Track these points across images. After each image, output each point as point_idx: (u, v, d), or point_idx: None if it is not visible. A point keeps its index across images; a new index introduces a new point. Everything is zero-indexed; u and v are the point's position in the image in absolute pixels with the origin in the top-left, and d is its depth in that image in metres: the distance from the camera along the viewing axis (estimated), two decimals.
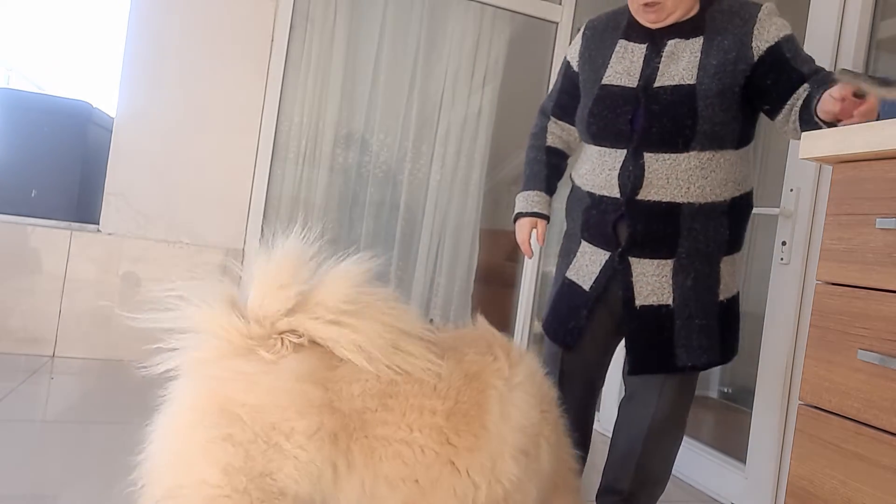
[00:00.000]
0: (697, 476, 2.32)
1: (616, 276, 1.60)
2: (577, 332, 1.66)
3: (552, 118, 1.83)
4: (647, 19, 1.57)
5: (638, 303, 1.58)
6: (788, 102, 1.50)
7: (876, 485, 1.02)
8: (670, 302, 1.57)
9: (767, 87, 1.51)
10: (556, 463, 1.32)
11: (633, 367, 1.64)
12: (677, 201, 1.52)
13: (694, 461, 2.35)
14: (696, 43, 1.53)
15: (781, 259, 2.08)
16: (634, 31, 1.61)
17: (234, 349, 1.12)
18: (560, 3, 3.50)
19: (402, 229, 3.45)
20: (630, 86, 1.56)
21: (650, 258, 1.56)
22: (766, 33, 1.51)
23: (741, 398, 3.21)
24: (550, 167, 1.82)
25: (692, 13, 1.56)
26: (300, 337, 1.13)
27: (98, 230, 3.04)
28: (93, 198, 3.10)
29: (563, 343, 1.69)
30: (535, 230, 1.78)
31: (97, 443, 2.03)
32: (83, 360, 2.95)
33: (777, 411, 2.03)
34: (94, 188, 3.10)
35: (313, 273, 1.17)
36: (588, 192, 1.64)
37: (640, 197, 1.53)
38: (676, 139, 1.50)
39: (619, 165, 1.55)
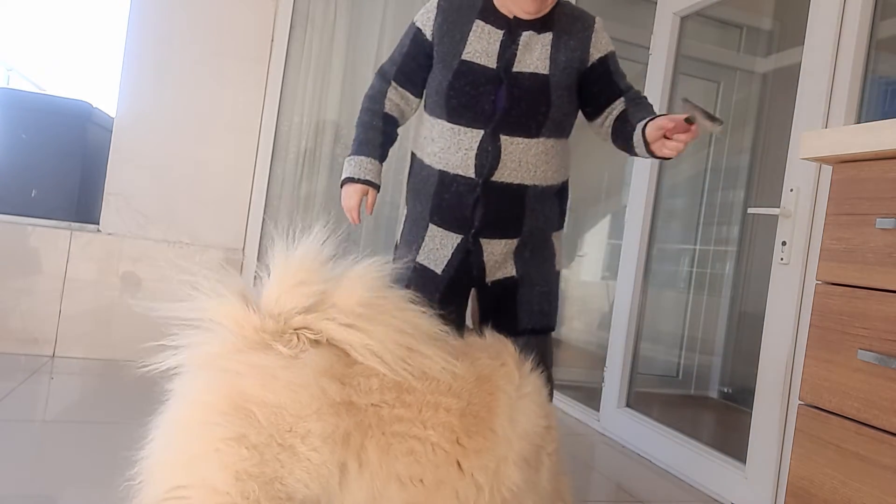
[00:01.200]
0: (697, 476, 2.32)
1: (468, 258, 1.67)
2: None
3: (393, 83, 1.75)
4: (528, 8, 1.59)
5: (488, 279, 1.70)
6: (606, 111, 1.70)
7: (876, 485, 1.03)
8: (514, 273, 1.70)
9: (592, 93, 1.69)
10: (554, 484, 1.29)
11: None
12: (525, 183, 1.64)
13: (694, 461, 2.35)
14: (547, 38, 1.63)
15: (781, 259, 2.08)
16: (492, 15, 1.64)
17: (249, 343, 1.08)
18: None
19: None
20: (490, 66, 1.59)
21: (500, 238, 1.66)
22: (600, 44, 1.69)
23: (741, 398, 3.21)
24: (385, 135, 1.76)
25: (545, 11, 1.65)
26: (317, 333, 1.11)
27: (98, 230, 3.04)
28: (93, 198, 3.11)
29: None
30: (365, 198, 1.73)
31: (97, 443, 2.03)
32: (83, 360, 2.95)
33: (777, 411, 2.03)
34: (94, 188, 3.10)
35: (330, 273, 1.16)
36: (440, 170, 1.64)
37: (494, 178, 1.61)
38: (531, 124, 1.61)
39: (476, 146, 1.59)
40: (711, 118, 1.44)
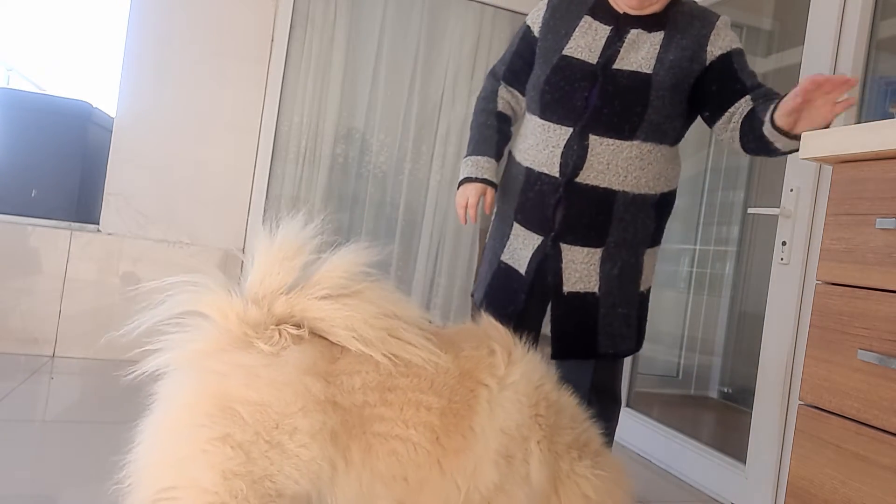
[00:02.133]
0: (697, 476, 2.32)
1: (546, 262, 1.60)
2: (514, 317, 1.61)
3: (503, 83, 1.76)
4: (630, 3, 1.57)
5: (566, 289, 1.60)
6: (729, 111, 1.56)
7: (876, 485, 1.02)
8: (596, 290, 1.60)
9: (712, 92, 1.57)
10: (553, 476, 1.23)
11: (557, 352, 1.63)
12: (613, 188, 1.55)
13: (694, 461, 2.35)
14: (657, 37, 1.57)
15: (781, 259, 2.08)
16: (601, 11, 1.61)
17: (232, 339, 1.08)
18: None
19: (402, 229, 3.45)
20: (590, 61, 1.56)
21: (581, 245, 1.58)
22: (721, 41, 1.57)
23: (741, 398, 3.21)
24: (501, 133, 1.74)
25: (657, 9, 1.60)
26: (299, 329, 1.10)
27: (98, 230, 3.04)
28: (93, 198, 3.10)
29: None
30: (483, 197, 1.67)
31: (97, 443, 2.03)
32: (83, 360, 2.95)
33: (777, 411, 2.03)
34: (94, 188, 3.10)
35: (315, 256, 1.16)
36: (527, 167, 1.62)
37: (579, 179, 1.55)
38: (624, 125, 1.53)
39: (563, 143, 1.55)
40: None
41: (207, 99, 3.15)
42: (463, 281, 3.53)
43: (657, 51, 1.56)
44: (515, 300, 1.64)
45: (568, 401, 1.31)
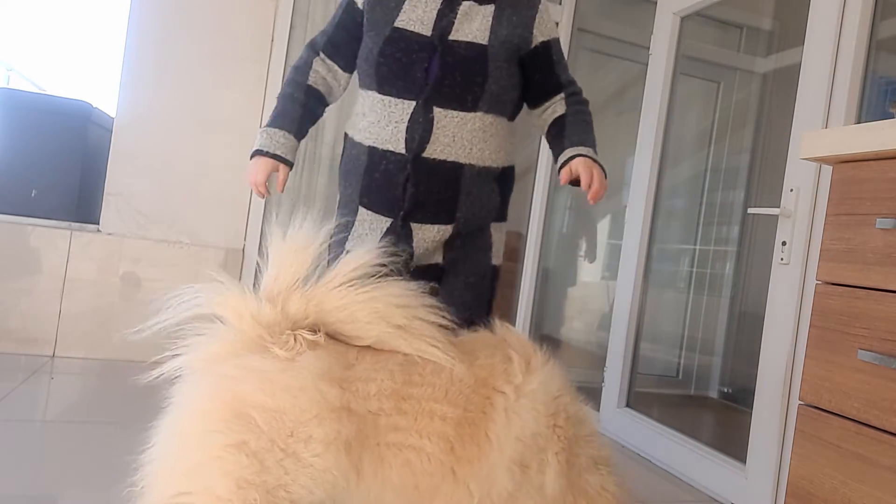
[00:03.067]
0: (697, 476, 2.32)
1: (397, 243, 1.54)
2: None
3: (321, 54, 1.65)
4: None
5: (412, 264, 1.58)
6: (544, 104, 1.68)
7: (876, 485, 1.03)
8: (441, 261, 1.60)
9: (534, 81, 1.65)
10: (569, 489, 1.21)
11: None
12: (461, 161, 1.53)
13: (694, 461, 2.35)
14: (489, 10, 1.57)
15: (781, 259, 2.08)
16: None
17: (247, 342, 1.07)
18: (560, 3, 3.50)
19: None
20: (424, 33, 1.51)
21: (431, 223, 1.55)
22: (545, 27, 1.63)
23: (741, 398, 3.21)
24: (306, 109, 1.63)
25: None
26: (315, 334, 1.09)
27: (98, 230, 3.04)
28: (93, 198, 3.10)
29: None
30: (275, 174, 1.61)
31: (97, 443, 2.03)
32: (83, 360, 2.95)
33: (777, 411, 2.03)
34: (94, 188, 3.10)
35: (324, 250, 1.17)
36: (370, 146, 1.54)
37: (426, 154, 1.51)
38: (466, 96, 1.51)
39: (406, 117, 1.50)
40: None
41: (207, 99, 3.15)
42: None
43: (489, 23, 1.55)
44: None
45: (586, 413, 1.29)
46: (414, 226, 1.54)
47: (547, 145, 1.74)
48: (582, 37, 3.56)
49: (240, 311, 1.09)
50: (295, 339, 1.08)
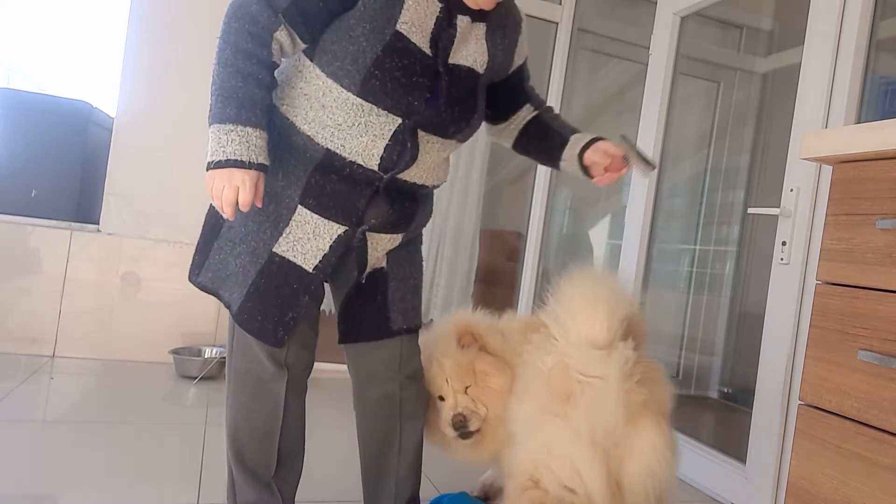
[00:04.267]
0: (697, 476, 2.32)
1: (350, 253, 1.38)
2: (292, 325, 1.34)
3: (284, 22, 1.24)
4: (483, 3, 1.35)
5: (365, 272, 1.45)
6: (513, 116, 1.59)
7: (876, 485, 1.03)
8: (384, 264, 1.46)
9: (503, 97, 1.54)
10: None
11: (347, 336, 1.46)
12: (426, 183, 1.42)
13: (694, 461, 2.35)
14: (480, 29, 1.38)
15: (781, 259, 2.08)
16: None
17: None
18: (560, 3, 3.50)
19: None
20: (425, 50, 1.29)
21: (388, 233, 1.42)
22: (524, 47, 1.52)
23: (741, 398, 3.21)
24: (270, 93, 1.29)
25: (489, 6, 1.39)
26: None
27: (98, 230, 3.04)
28: (93, 198, 3.11)
29: (273, 340, 1.34)
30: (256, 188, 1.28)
31: (97, 443, 2.03)
32: (83, 360, 2.95)
33: (777, 411, 2.03)
34: (94, 188, 3.10)
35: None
36: (329, 149, 1.29)
37: (401, 176, 1.35)
38: (451, 126, 1.37)
39: (389, 135, 1.29)
40: (646, 161, 1.46)
41: (207, 99, 3.14)
42: (463, 281, 3.53)
43: (485, 47, 1.39)
44: (295, 304, 1.34)
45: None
46: (370, 235, 1.39)
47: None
48: (582, 37, 3.56)
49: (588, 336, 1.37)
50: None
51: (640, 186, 2.84)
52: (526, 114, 1.59)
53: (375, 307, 1.46)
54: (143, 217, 3.07)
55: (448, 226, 3.48)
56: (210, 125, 1.24)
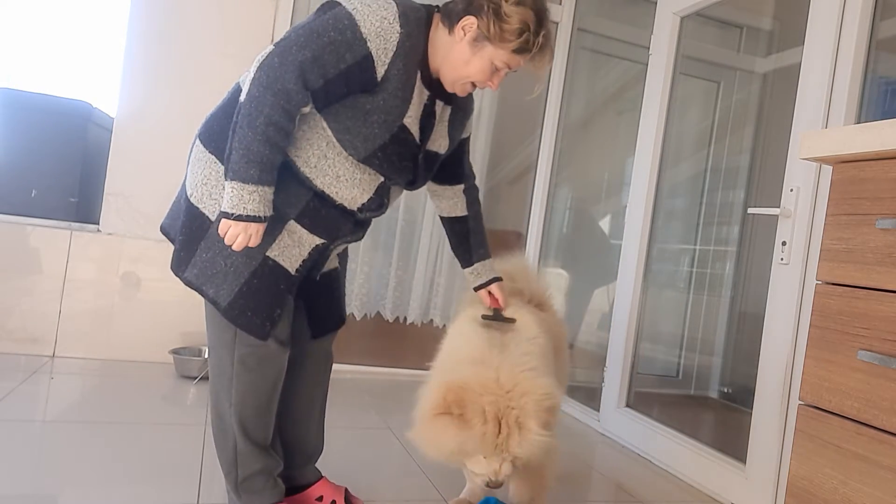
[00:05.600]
0: (697, 476, 2.32)
1: (319, 259, 1.61)
2: (278, 319, 1.53)
3: (311, 99, 1.41)
4: (460, 93, 1.56)
5: (319, 274, 1.67)
6: (447, 186, 1.79)
7: (876, 485, 1.03)
8: (336, 264, 1.74)
9: (444, 165, 1.72)
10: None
11: (318, 330, 1.73)
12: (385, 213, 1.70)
13: (694, 461, 2.35)
14: (446, 112, 1.61)
15: (781, 259, 2.08)
16: (426, 70, 1.51)
17: None
18: (560, 3, 3.50)
19: (402, 230, 3.45)
20: (417, 138, 1.55)
21: (346, 243, 1.69)
22: (470, 126, 1.75)
23: (741, 398, 3.21)
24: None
25: None
26: None
27: (98, 230, 3.04)
28: (93, 198, 3.11)
29: (260, 333, 1.51)
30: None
31: (97, 443, 2.03)
32: (83, 360, 2.95)
33: (777, 411, 2.03)
34: (94, 188, 3.10)
35: None
36: (322, 192, 1.51)
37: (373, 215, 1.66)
38: (415, 185, 1.66)
39: (373, 191, 1.55)
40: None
41: (207, 99, 3.13)
42: (463, 281, 3.52)
43: (447, 130, 1.63)
44: (282, 302, 1.52)
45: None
46: (336, 242, 1.63)
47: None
48: (582, 37, 3.56)
49: None
50: None
51: (640, 186, 2.84)
52: (458, 203, 1.81)
53: (336, 302, 1.75)
54: (143, 217, 3.07)
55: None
56: (230, 179, 1.38)
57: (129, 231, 3.06)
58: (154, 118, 3.08)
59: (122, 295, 3.03)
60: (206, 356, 2.98)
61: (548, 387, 1.53)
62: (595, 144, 3.81)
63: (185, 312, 3.08)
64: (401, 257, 3.46)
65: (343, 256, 1.79)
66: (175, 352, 2.93)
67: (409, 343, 3.48)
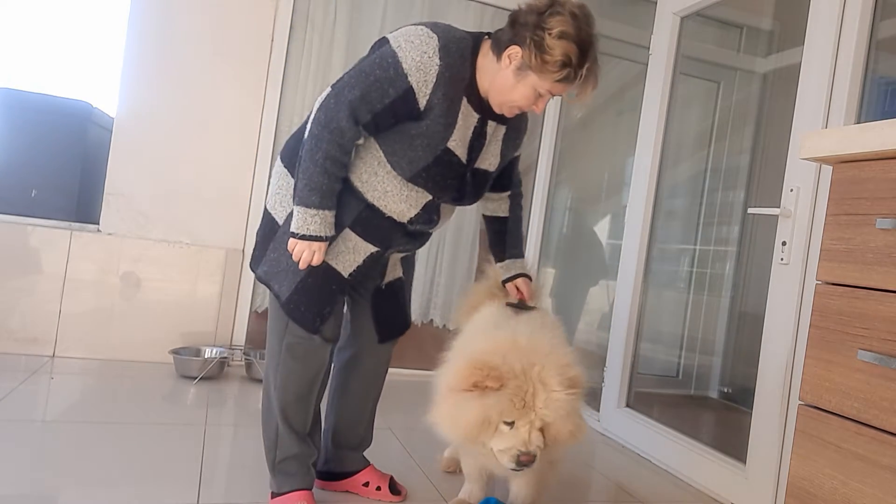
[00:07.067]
0: (697, 476, 2.32)
1: (375, 265, 1.74)
2: (328, 316, 1.66)
3: (362, 135, 1.58)
4: (508, 114, 1.62)
5: (384, 283, 1.84)
6: (494, 194, 1.90)
7: (876, 485, 1.03)
8: (401, 274, 1.87)
9: (497, 176, 1.81)
10: None
11: (384, 336, 1.87)
12: (439, 228, 1.82)
13: (694, 461, 2.35)
14: (501, 131, 1.69)
15: (781, 259, 2.08)
16: (474, 95, 1.59)
17: None
18: None
19: None
20: (463, 159, 1.62)
21: (403, 253, 1.84)
22: (524, 142, 1.82)
23: (741, 398, 3.21)
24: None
25: None
26: None
27: (98, 230, 3.04)
28: (93, 198, 3.11)
29: (311, 328, 1.65)
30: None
31: (97, 443, 2.03)
32: (83, 360, 2.95)
33: (777, 411, 2.03)
34: (94, 188, 3.10)
35: None
36: (373, 205, 1.62)
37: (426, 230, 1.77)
38: (465, 202, 1.74)
39: (421, 207, 1.65)
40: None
41: (207, 99, 3.15)
42: (463, 281, 3.53)
43: (500, 149, 1.70)
44: (332, 301, 1.66)
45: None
46: (390, 251, 1.75)
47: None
48: None
49: None
50: None
51: (640, 186, 2.84)
52: (502, 205, 1.93)
53: (401, 310, 1.88)
54: (143, 217, 3.08)
55: (448, 226, 3.48)
56: (296, 205, 1.57)
57: (129, 231, 3.06)
58: (154, 118, 3.09)
59: (122, 295, 3.03)
60: (206, 356, 2.99)
61: (569, 355, 1.58)
62: (595, 144, 3.81)
63: (185, 312, 3.09)
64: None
65: (409, 266, 1.91)
66: (175, 352, 2.93)
67: (409, 343, 3.45)
